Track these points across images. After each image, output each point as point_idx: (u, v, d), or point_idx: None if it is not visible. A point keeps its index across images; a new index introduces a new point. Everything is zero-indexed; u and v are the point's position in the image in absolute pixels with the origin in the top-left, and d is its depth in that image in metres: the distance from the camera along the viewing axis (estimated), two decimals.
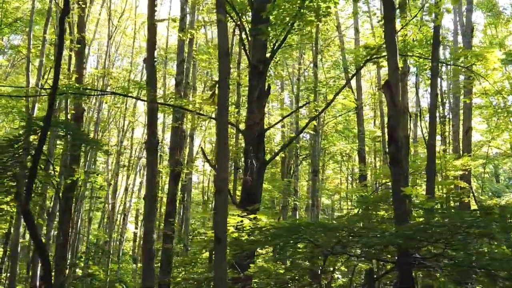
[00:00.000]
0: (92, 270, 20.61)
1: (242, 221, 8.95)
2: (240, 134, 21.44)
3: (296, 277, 9.46)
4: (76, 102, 16.18)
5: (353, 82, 20.98)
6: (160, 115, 37.09)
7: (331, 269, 10.20)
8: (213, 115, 17.98)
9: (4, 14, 24.11)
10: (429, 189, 13.02)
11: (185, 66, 20.08)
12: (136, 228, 43.94)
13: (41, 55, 20.88)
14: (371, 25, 26.72)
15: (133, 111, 34.15)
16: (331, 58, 26.57)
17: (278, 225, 7.67)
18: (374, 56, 13.56)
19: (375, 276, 10.58)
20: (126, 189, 35.30)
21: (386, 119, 29.81)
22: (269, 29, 12.81)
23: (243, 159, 14.33)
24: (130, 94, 14.22)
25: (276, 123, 15.49)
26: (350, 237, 6.75)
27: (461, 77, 21.00)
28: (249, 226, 9.01)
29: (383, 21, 10.21)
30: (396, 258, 8.13)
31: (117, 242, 34.65)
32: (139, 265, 34.68)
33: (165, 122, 33.70)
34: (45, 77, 23.37)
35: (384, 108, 27.32)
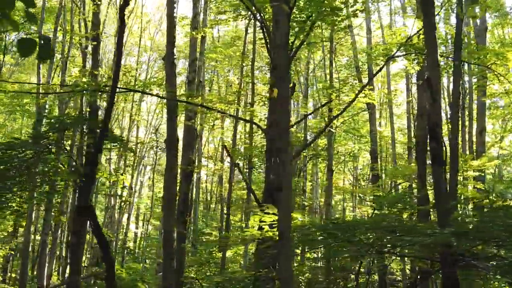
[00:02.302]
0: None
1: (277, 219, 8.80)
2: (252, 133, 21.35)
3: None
4: (92, 99, 16.03)
5: (366, 81, 20.85)
6: (165, 115, 36.95)
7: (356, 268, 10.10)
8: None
9: (12, 12, 23.81)
10: (452, 189, 12.89)
11: (197, 65, 19.91)
12: (136, 228, 43.77)
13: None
14: (381, 24, 26.68)
15: (137, 109, 33.97)
16: (342, 57, 26.49)
17: (330, 223, 7.52)
18: (397, 54, 13.44)
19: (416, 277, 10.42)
20: (130, 188, 35.09)
21: (395, 119, 29.84)
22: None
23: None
24: (149, 92, 14.07)
25: (299, 121, 15.34)
26: (401, 236, 6.62)
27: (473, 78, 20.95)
28: None
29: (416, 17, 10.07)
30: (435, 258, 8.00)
31: (121, 242, 34.44)
32: (143, 265, 34.53)
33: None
34: (52, 74, 23.19)
35: (393, 107, 27.27)
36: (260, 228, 9.26)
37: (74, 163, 12.50)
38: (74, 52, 26.39)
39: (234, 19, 17.20)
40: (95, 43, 16.48)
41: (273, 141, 12.80)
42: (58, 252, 30.70)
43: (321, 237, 7.16)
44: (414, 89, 27.83)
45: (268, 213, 8.70)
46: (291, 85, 12.76)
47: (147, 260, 37.55)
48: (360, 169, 39.65)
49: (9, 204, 11.93)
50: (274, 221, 8.95)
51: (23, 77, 33.71)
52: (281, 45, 6.11)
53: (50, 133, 10.73)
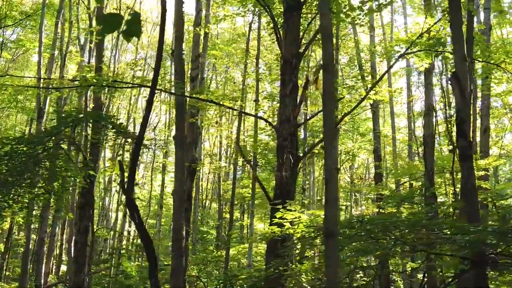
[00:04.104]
0: (123, 267, 20.18)
1: (299, 216, 8.67)
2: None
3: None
4: (96, 95, 15.83)
5: (369, 79, 20.75)
6: (163, 112, 36.81)
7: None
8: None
9: (9, 8, 23.51)
10: None
11: (200, 61, 19.71)
12: (129, 226, 43.49)
13: (52, 49, 20.45)
14: (382, 22, 26.61)
15: (134, 106, 33.76)
16: (345, 54, 26.39)
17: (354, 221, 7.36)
18: (409, 51, 13.35)
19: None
20: None
21: (396, 119, 29.78)
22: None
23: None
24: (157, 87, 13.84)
25: (311, 118, 15.17)
26: (439, 234, 6.49)
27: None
28: (306, 222, 8.74)
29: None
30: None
31: (116, 240, 34.21)
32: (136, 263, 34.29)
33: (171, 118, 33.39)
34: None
35: (394, 107, 27.19)
36: (280, 225, 9.11)
37: (84, 159, 12.28)
38: (71, 48, 26.15)
39: (241, 16, 17.03)
40: (100, 37, 16.29)
41: (283, 138, 12.66)
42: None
43: (357, 235, 7.00)
44: (414, 88, 27.83)
45: (291, 210, 8.56)
46: (305, 80, 12.64)
47: (139, 258, 37.29)
48: (356, 167, 39.67)
49: (18, 200, 11.72)
50: (294, 218, 8.82)
51: (18, 73, 33.33)
52: (327, 37, 5.92)
53: (61, 129, 10.53)
